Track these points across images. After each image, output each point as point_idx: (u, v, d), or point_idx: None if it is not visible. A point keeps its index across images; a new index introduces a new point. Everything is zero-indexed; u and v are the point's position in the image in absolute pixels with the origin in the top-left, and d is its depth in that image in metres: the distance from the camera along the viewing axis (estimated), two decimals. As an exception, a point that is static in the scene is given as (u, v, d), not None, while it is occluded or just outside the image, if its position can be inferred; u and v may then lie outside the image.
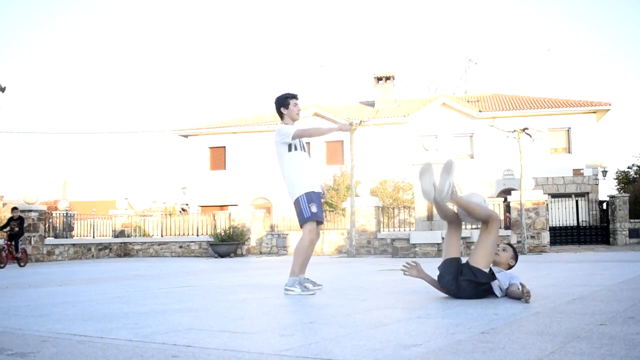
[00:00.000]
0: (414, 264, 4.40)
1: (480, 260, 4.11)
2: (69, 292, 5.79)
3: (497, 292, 4.20)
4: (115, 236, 19.69)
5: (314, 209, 5.02)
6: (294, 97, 5.34)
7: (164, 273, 9.19)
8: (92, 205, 34.64)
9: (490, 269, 4.17)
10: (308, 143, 28.61)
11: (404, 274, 4.43)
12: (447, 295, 4.34)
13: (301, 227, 5.10)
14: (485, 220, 4.18)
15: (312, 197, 5.08)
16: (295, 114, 5.30)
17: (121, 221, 19.99)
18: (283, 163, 5.19)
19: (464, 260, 4.29)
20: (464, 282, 4.10)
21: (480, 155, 26.83)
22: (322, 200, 5.35)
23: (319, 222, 5.18)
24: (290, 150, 5.16)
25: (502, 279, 4.26)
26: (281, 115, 5.33)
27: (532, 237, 15.03)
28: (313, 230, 5.08)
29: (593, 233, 22.59)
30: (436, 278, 4.32)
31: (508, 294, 4.18)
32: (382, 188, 24.44)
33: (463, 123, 27.16)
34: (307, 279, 5.28)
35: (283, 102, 5.29)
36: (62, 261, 16.03)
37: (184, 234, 19.45)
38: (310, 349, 2.44)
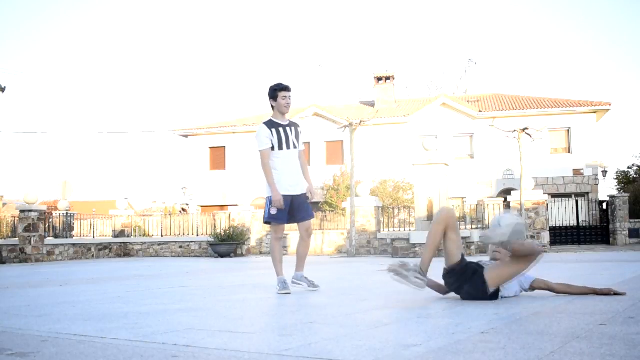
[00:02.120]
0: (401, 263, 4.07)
1: (494, 280, 3.96)
2: (69, 292, 5.79)
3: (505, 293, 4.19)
4: (115, 236, 19.68)
5: (273, 211, 5.10)
6: (284, 89, 5.21)
7: (164, 273, 9.19)
8: (92, 205, 34.63)
9: (497, 289, 4.07)
10: (307, 143, 28.61)
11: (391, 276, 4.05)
12: (446, 296, 4.34)
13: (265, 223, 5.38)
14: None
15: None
16: (283, 107, 5.20)
17: (121, 221, 19.98)
18: None
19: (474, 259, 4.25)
20: (471, 290, 4.03)
21: (480, 155, 26.83)
22: (309, 200, 5.33)
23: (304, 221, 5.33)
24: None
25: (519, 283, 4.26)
26: (272, 106, 5.29)
27: (532, 237, 15.02)
28: (278, 230, 5.24)
29: (593, 233, 22.57)
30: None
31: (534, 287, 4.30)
32: (382, 188, 24.43)
33: (463, 123, 27.15)
34: (306, 277, 5.29)
35: (272, 95, 5.23)
36: (62, 261, 16.03)
37: (184, 234, 19.44)
38: (310, 349, 2.44)
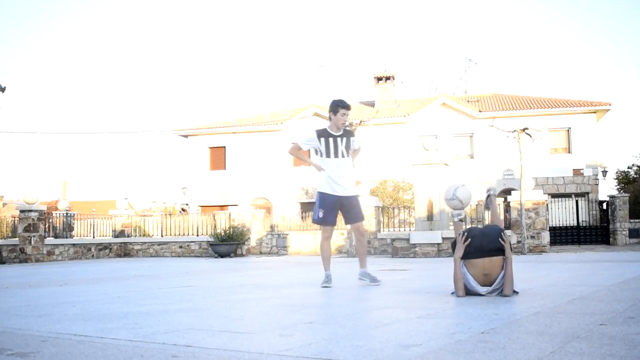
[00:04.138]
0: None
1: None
2: (69, 292, 5.79)
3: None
4: (115, 236, 19.67)
5: (321, 214, 5.63)
6: (345, 107, 5.65)
7: (164, 273, 9.19)
8: (92, 205, 34.64)
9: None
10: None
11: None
12: (446, 296, 4.34)
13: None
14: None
15: (325, 199, 5.61)
16: (340, 123, 5.64)
17: (121, 221, 19.96)
18: None
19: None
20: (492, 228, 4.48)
21: (480, 155, 26.82)
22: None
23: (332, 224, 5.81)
24: (316, 154, 5.71)
25: None
26: (330, 117, 5.72)
27: (532, 237, 15.02)
28: (326, 231, 5.78)
29: (593, 233, 22.55)
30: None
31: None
32: (382, 188, 24.42)
33: (463, 123, 27.14)
34: (368, 273, 5.82)
35: (333, 109, 5.65)
36: (62, 261, 16.03)
37: (184, 234, 19.44)
38: (310, 349, 2.44)
